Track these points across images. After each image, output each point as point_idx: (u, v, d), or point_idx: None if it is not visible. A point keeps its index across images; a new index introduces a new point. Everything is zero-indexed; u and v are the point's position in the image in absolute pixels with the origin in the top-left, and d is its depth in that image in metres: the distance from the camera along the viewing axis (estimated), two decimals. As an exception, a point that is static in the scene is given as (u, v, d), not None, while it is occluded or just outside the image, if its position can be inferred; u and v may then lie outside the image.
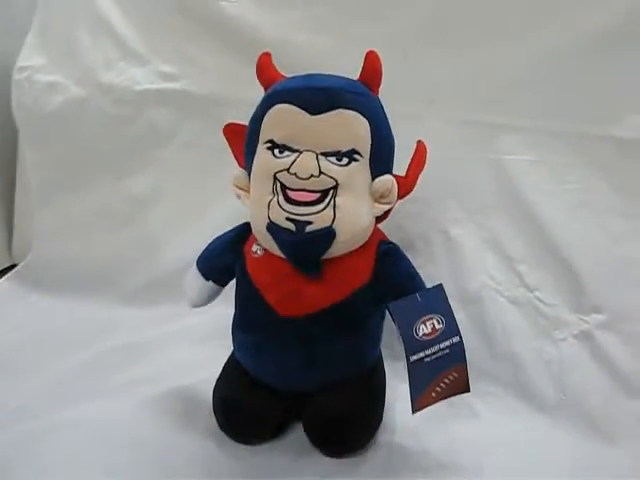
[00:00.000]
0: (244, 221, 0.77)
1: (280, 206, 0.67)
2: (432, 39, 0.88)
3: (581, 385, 0.82)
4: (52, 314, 1.07)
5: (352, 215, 0.69)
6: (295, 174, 0.67)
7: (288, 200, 0.67)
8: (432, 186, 0.80)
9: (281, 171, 0.67)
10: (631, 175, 0.82)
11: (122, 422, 0.78)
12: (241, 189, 0.74)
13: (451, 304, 0.68)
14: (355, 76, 0.71)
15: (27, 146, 1.17)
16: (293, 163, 0.67)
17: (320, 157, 0.67)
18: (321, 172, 0.66)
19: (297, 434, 0.76)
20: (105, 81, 1.08)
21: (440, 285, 0.69)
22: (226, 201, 0.98)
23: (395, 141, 0.73)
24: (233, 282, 0.78)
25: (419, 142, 0.76)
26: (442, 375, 0.67)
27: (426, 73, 0.89)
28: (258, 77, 0.73)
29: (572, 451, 0.75)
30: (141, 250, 1.12)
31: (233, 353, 0.80)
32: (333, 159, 0.67)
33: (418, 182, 0.75)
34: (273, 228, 0.68)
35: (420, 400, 0.67)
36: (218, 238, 0.80)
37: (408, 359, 0.65)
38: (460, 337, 0.67)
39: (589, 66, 0.82)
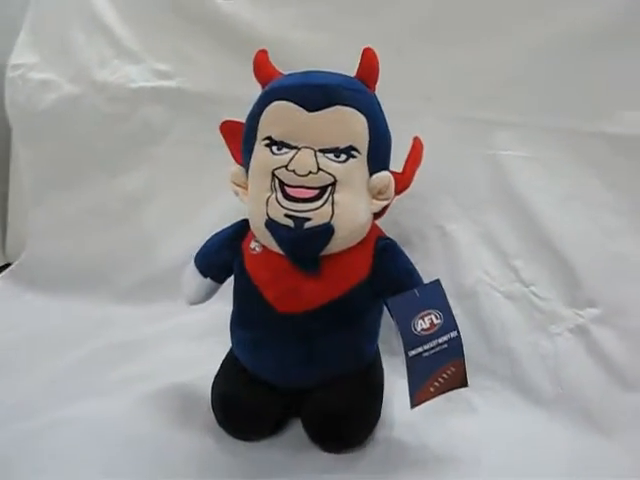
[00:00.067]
0: (240, 218, 0.77)
1: (278, 203, 0.67)
2: (427, 36, 0.89)
3: (577, 379, 0.82)
4: (47, 312, 1.07)
5: (350, 211, 0.69)
6: (293, 171, 0.67)
7: (286, 197, 0.67)
8: (427, 182, 0.80)
9: (279, 168, 0.67)
10: (623, 171, 0.83)
11: (119, 419, 0.78)
12: (239, 186, 0.73)
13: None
14: (352, 73, 0.71)
15: (20, 144, 1.16)
16: (291, 160, 0.67)
17: (318, 154, 0.67)
18: (319, 169, 0.67)
19: (296, 430, 0.77)
20: (99, 79, 1.07)
21: (438, 281, 0.69)
22: (221, 198, 0.98)
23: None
24: (230, 279, 0.78)
25: (415, 138, 0.77)
26: (440, 370, 0.68)
27: (421, 70, 0.89)
28: (255, 74, 0.73)
29: (569, 444, 0.76)
30: (136, 248, 1.12)
31: (231, 349, 0.80)
32: (331, 156, 0.67)
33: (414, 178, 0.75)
34: (272, 225, 0.68)
35: (418, 395, 0.68)
36: (216, 235, 0.80)
37: (406, 354, 0.66)
38: (458, 332, 0.68)
39: (582, 63, 0.82)
